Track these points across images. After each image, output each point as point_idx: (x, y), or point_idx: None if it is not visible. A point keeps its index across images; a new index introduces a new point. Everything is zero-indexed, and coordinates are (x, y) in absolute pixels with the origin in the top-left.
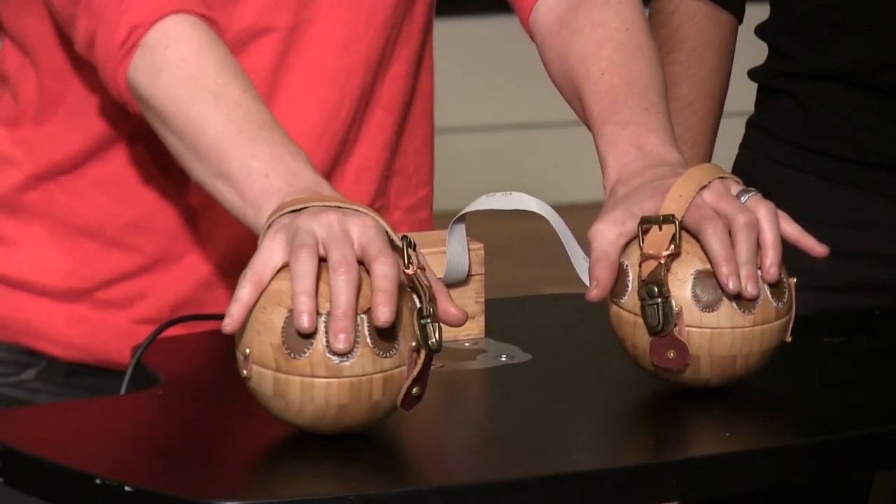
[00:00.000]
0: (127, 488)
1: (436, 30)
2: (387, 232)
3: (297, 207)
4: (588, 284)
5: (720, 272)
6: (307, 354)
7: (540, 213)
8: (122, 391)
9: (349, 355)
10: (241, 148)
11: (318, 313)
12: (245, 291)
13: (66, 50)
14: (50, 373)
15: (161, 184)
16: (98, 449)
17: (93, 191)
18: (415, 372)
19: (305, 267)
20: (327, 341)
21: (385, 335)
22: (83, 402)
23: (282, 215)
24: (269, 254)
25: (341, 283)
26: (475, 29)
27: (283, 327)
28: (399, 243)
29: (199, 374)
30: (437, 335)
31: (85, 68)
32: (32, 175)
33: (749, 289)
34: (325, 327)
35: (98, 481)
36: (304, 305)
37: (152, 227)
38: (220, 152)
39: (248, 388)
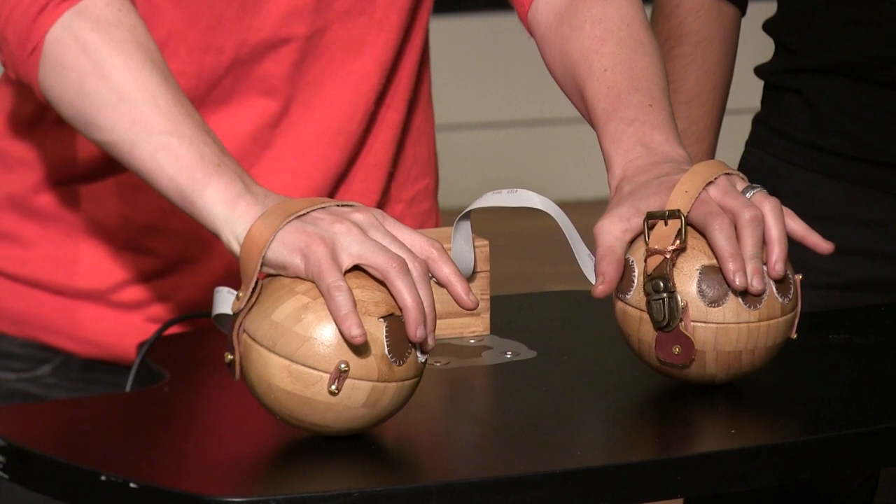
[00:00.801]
0: (132, 485)
1: (439, 27)
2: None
3: (300, 213)
4: (593, 282)
5: (726, 268)
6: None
7: (545, 210)
8: (128, 388)
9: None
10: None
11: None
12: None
13: None
14: (65, 368)
15: None
16: (103, 445)
17: (108, 195)
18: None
19: (345, 299)
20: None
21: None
22: (88, 398)
23: (288, 222)
24: (328, 267)
25: (337, 302)
26: (479, 25)
27: (385, 337)
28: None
29: (204, 370)
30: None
31: None
32: (48, 177)
33: (755, 284)
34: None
35: (103, 478)
36: (419, 317)
37: (168, 230)
38: (169, 123)
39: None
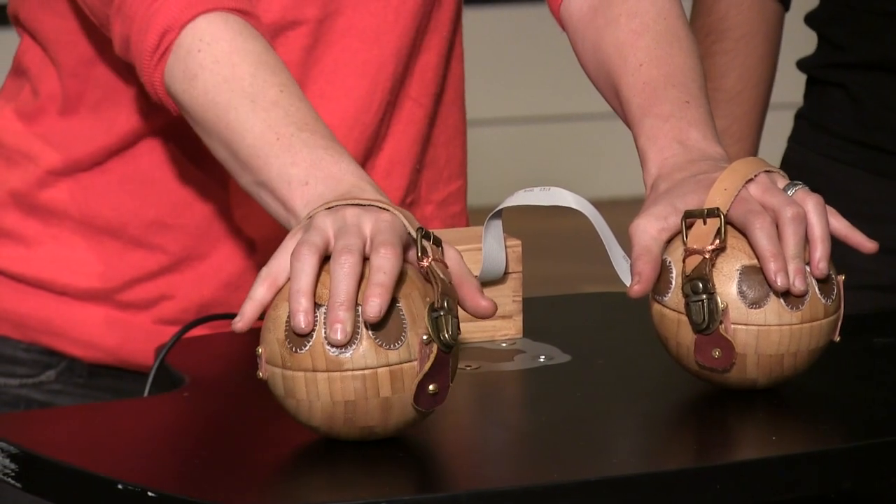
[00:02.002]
0: (150, 494)
1: (468, 19)
2: (406, 227)
3: (328, 207)
4: (627, 285)
5: (768, 268)
6: (307, 348)
7: (579, 209)
8: (146, 393)
9: (348, 347)
10: (281, 154)
11: (318, 305)
12: (259, 290)
13: (84, 48)
14: (70, 374)
15: (185, 182)
16: (120, 453)
17: (115, 189)
18: (427, 366)
19: (302, 265)
20: (326, 335)
21: (390, 327)
22: (104, 404)
23: (309, 215)
24: (285, 253)
25: (340, 273)
26: (509, 17)
27: (286, 321)
28: (404, 238)
29: (225, 375)
30: (449, 329)
31: (103, 67)
32: (52, 171)
33: (797, 284)
34: (325, 319)
35: (120, 486)
36: (300, 305)
37: (176, 225)
38: (259, 160)
39: (269, 391)
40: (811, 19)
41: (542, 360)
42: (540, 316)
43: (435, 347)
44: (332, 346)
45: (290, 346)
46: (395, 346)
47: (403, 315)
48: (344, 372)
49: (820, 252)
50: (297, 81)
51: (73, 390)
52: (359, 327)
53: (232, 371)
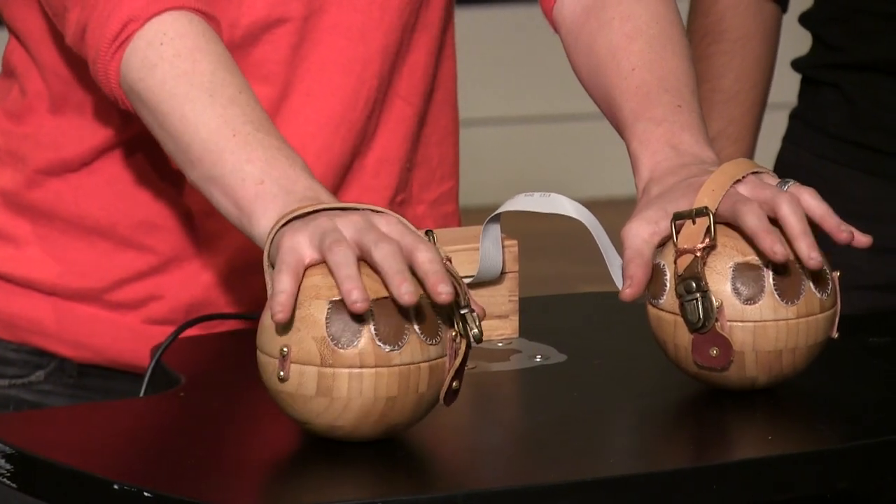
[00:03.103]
0: (146, 494)
1: (463, 19)
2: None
3: (307, 211)
4: None
5: (763, 244)
6: (356, 343)
7: (578, 218)
8: (142, 393)
9: (399, 343)
10: (236, 150)
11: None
12: (286, 283)
13: (65, 48)
14: (60, 374)
15: (173, 181)
16: (116, 453)
17: (102, 189)
18: (456, 363)
19: (346, 254)
20: (376, 329)
21: (431, 322)
22: (100, 404)
23: (288, 221)
24: (298, 252)
25: (387, 251)
26: (504, 17)
27: (326, 319)
28: (423, 236)
29: (221, 375)
30: (478, 324)
31: (86, 68)
32: (39, 171)
33: (814, 257)
34: (373, 315)
35: (116, 487)
36: (354, 285)
37: (165, 225)
38: (213, 155)
39: (278, 395)
40: (806, 19)
41: (538, 359)
42: (536, 316)
43: (464, 344)
44: (384, 342)
45: (334, 343)
46: (434, 341)
47: (437, 310)
48: (391, 367)
49: (830, 223)
50: (283, 80)
51: (62, 390)
52: (407, 323)
53: (228, 371)
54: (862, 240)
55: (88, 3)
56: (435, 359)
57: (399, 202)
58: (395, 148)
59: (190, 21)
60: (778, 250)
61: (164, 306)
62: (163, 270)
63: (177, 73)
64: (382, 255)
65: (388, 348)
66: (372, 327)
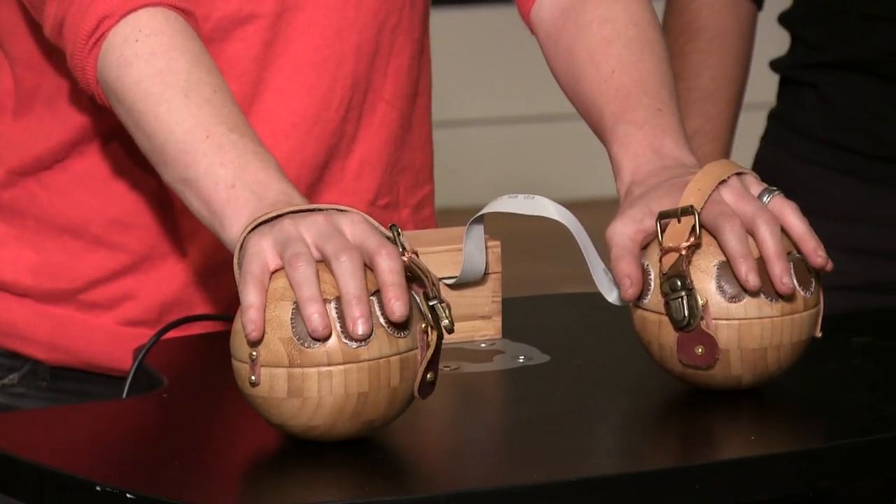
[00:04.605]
0: (129, 495)
1: (447, 20)
2: (376, 225)
3: (272, 216)
4: (608, 299)
5: (738, 270)
6: (321, 343)
7: (561, 221)
8: (125, 394)
9: (366, 338)
10: (209, 153)
11: (326, 301)
12: (253, 295)
13: (39, 39)
14: (33, 377)
15: (146, 178)
16: (98, 454)
17: (75, 187)
18: (428, 354)
19: (305, 273)
20: (342, 327)
21: None
22: (82, 406)
23: (256, 227)
24: (261, 258)
25: (346, 269)
26: (486, 17)
27: (291, 320)
28: (389, 234)
29: (203, 376)
30: (448, 315)
31: (59, 58)
32: (12, 171)
33: (785, 282)
34: (338, 314)
35: (98, 488)
36: (314, 309)
37: (138, 224)
38: (187, 156)
39: (253, 399)
40: (784, 19)
41: (521, 360)
42: (519, 316)
43: (435, 335)
44: (351, 339)
45: (301, 343)
46: (403, 334)
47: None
48: (360, 363)
49: (812, 244)
50: (255, 77)
51: (36, 393)
52: (372, 318)
53: (210, 372)
54: (818, 261)
55: None
56: (405, 352)
57: (383, 205)
58: (378, 151)
59: (166, 17)
60: (751, 279)
61: (138, 306)
62: (136, 269)
63: (152, 72)
64: (340, 274)
65: (354, 344)
66: (338, 325)
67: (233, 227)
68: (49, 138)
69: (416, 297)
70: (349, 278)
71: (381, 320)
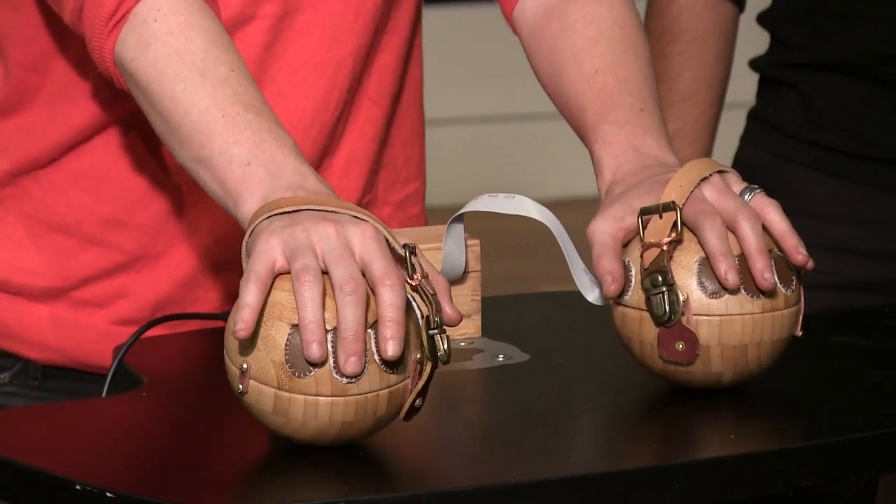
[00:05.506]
0: (109, 494)
1: (428, 18)
2: (387, 240)
3: (286, 210)
4: (588, 298)
5: (718, 268)
6: (313, 373)
7: (542, 220)
8: (104, 393)
9: (357, 375)
10: (224, 132)
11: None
12: (252, 295)
13: (39, 42)
14: (25, 376)
15: (141, 178)
16: (78, 453)
17: (70, 185)
18: (419, 385)
19: (311, 293)
20: (335, 361)
21: None
22: (62, 404)
23: (270, 217)
24: (269, 258)
25: (349, 304)
26: (469, 16)
27: (286, 345)
28: (401, 251)
29: (184, 375)
30: (445, 346)
31: (62, 59)
32: (7, 170)
33: (767, 277)
34: (333, 346)
35: (78, 487)
36: (314, 335)
37: (132, 223)
38: (202, 135)
39: (241, 401)
40: (764, 19)
41: (500, 359)
42: (498, 315)
43: (429, 366)
44: (342, 375)
45: (293, 371)
46: (396, 370)
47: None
48: (348, 397)
49: (793, 241)
50: (256, 79)
51: (27, 392)
52: (366, 353)
53: (190, 371)
54: (798, 258)
55: None
56: (395, 384)
57: (365, 203)
58: (364, 149)
59: None
60: (730, 278)
61: (130, 305)
62: (129, 268)
63: (169, 52)
64: (342, 307)
65: (345, 381)
66: (332, 358)
67: (246, 206)
68: (46, 138)
69: (419, 322)
70: (350, 314)
71: (376, 356)
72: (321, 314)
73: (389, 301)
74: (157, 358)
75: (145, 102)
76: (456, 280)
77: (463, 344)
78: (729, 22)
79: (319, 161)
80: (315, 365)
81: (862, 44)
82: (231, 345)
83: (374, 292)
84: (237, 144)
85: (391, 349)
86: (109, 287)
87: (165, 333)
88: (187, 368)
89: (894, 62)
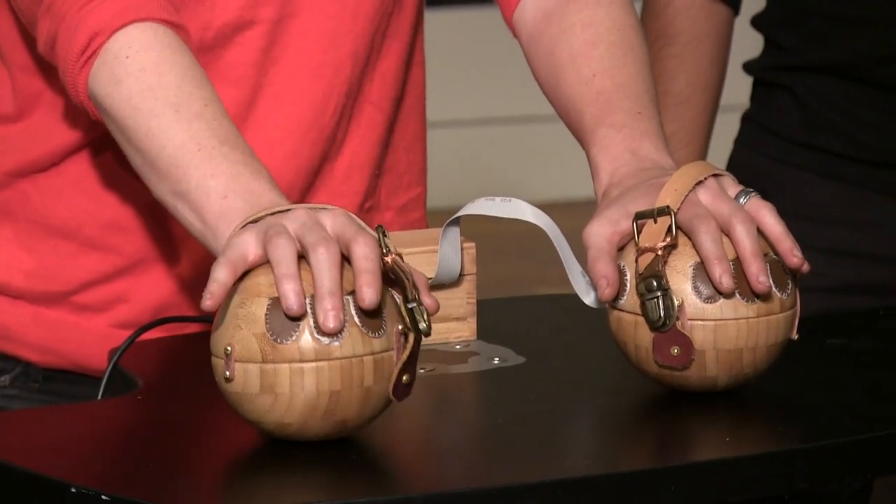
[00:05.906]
0: (104, 497)
1: (427, 21)
2: (358, 224)
3: (258, 216)
4: (585, 301)
5: (712, 272)
6: (294, 338)
7: (538, 224)
8: (100, 396)
9: (339, 336)
10: (201, 165)
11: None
12: (221, 273)
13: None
14: (25, 379)
15: (141, 182)
16: (73, 456)
17: (70, 190)
18: (404, 356)
19: (285, 251)
20: (315, 323)
21: (373, 314)
22: (58, 407)
23: (244, 227)
24: (242, 247)
25: (323, 261)
26: (467, 19)
27: (265, 315)
28: (374, 234)
29: (179, 378)
30: (426, 319)
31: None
32: (7, 173)
33: (762, 280)
34: (312, 309)
35: (73, 490)
36: (291, 287)
37: (131, 227)
38: (178, 169)
39: (229, 396)
40: (758, 22)
41: (496, 362)
42: (494, 318)
43: (412, 337)
44: (323, 334)
45: (274, 338)
46: (378, 334)
47: (381, 305)
48: (332, 361)
49: (788, 244)
50: (253, 83)
51: (28, 395)
52: (346, 316)
53: (185, 374)
54: (794, 261)
55: (57, 14)
56: (379, 352)
57: (367, 208)
58: (366, 154)
59: (156, 32)
60: (725, 281)
61: (130, 309)
62: (129, 272)
63: (142, 88)
64: (316, 268)
65: (327, 341)
66: (311, 321)
67: (225, 237)
68: (48, 141)
69: (396, 299)
70: (324, 273)
71: (356, 319)
72: (295, 268)
73: (363, 254)
74: (153, 361)
75: (121, 137)
76: (452, 283)
77: (458, 347)
78: (724, 25)
79: (320, 165)
80: (296, 320)
81: (857, 46)
82: (215, 336)
83: (348, 254)
84: (214, 178)
85: (368, 296)
86: (109, 291)
87: (160, 336)
88: (182, 371)
89: (889, 64)
